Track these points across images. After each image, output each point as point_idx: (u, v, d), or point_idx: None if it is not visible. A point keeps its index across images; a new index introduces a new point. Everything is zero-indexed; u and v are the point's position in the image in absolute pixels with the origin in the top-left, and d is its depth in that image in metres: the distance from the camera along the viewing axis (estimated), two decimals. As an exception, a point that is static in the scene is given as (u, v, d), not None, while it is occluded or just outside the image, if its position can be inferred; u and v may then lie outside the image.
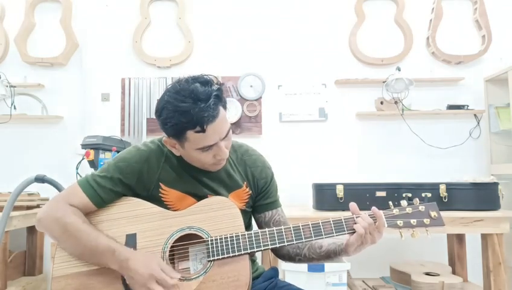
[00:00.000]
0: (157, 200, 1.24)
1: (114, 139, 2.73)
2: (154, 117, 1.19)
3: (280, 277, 1.42)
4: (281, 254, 1.36)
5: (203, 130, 1.10)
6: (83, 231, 1.14)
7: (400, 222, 1.19)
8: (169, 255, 1.17)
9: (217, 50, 3.16)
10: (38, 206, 2.72)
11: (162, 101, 1.14)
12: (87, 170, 2.64)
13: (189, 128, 1.10)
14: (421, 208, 1.21)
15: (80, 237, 1.13)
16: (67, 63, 3.18)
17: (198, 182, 1.26)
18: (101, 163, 2.55)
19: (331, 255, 1.25)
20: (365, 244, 1.16)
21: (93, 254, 1.13)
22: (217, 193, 1.26)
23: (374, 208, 1.19)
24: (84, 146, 2.62)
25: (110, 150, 2.63)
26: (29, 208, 2.63)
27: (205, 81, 1.13)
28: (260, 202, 1.35)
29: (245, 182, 1.32)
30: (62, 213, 1.16)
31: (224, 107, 1.16)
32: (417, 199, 1.23)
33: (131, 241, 1.17)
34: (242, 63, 3.12)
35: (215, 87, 1.13)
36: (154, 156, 1.25)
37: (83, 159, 2.62)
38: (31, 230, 2.87)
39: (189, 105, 1.08)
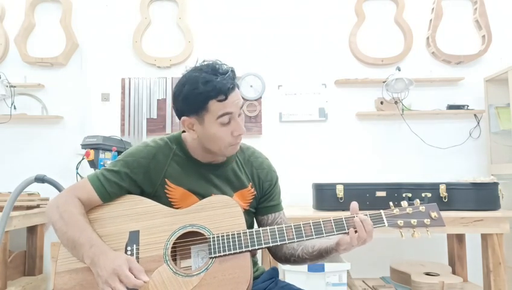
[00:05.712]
0: (162, 197, 1.25)
1: (114, 139, 2.73)
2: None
3: (280, 277, 1.42)
4: (278, 256, 1.38)
5: (225, 97, 1.16)
6: (75, 220, 1.15)
7: (400, 222, 1.20)
8: (171, 253, 1.17)
9: (217, 50, 3.15)
10: (38, 206, 2.72)
11: (183, 79, 1.22)
12: (87, 170, 2.65)
13: (212, 97, 1.16)
14: (422, 208, 1.22)
15: (69, 226, 1.14)
16: (67, 63, 3.19)
17: (205, 180, 1.28)
18: (101, 163, 2.55)
19: (323, 253, 1.26)
20: (357, 245, 1.18)
21: (74, 244, 1.13)
22: (222, 191, 1.29)
23: (356, 217, 1.18)
24: (84, 146, 2.62)
25: (110, 150, 2.63)
26: (29, 208, 2.63)
27: (221, 63, 1.24)
28: (264, 204, 1.37)
29: (250, 183, 1.34)
30: (64, 201, 1.20)
31: (238, 87, 1.23)
32: (418, 200, 1.24)
33: (134, 238, 1.18)
34: (242, 63, 3.11)
35: (229, 67, 1.23)
36: (162, 153, 1.27)
37: (83, 159, 2.62)
38: (31, 230, 2.87)
39: (211, 76, 1.17)
